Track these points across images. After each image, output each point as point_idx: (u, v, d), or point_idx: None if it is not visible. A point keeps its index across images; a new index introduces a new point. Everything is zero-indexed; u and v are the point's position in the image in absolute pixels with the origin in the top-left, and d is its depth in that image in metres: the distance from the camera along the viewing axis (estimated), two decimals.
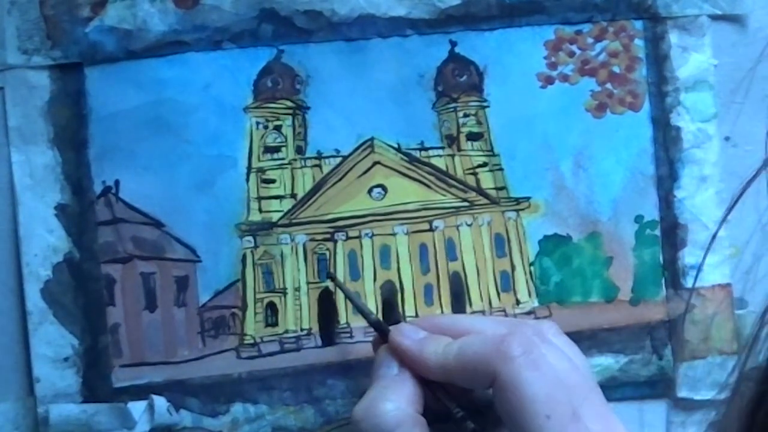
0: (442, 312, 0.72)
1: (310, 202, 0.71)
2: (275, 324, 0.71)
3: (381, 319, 0.69)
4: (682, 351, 0.74)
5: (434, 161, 0.73)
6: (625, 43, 0.74)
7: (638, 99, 0.74)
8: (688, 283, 0.75)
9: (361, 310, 0.69)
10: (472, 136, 0.73)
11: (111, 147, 0.69)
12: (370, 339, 0.71)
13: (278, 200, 0.71)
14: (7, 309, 0.68)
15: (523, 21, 0.73)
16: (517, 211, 0.74)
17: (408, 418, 0.61)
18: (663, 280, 0.75)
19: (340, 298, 0.72)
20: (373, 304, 0.72)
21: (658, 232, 0.75)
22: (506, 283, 0.74)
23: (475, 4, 0.72)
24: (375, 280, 0.72)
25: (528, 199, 0.74)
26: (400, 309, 0.72)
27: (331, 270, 0.72)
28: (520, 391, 0.58)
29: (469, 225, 0.73)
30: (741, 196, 0.47)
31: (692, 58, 0.75)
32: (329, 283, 0.72)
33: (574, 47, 0.74)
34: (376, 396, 0.63)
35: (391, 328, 0.65)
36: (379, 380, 0.64)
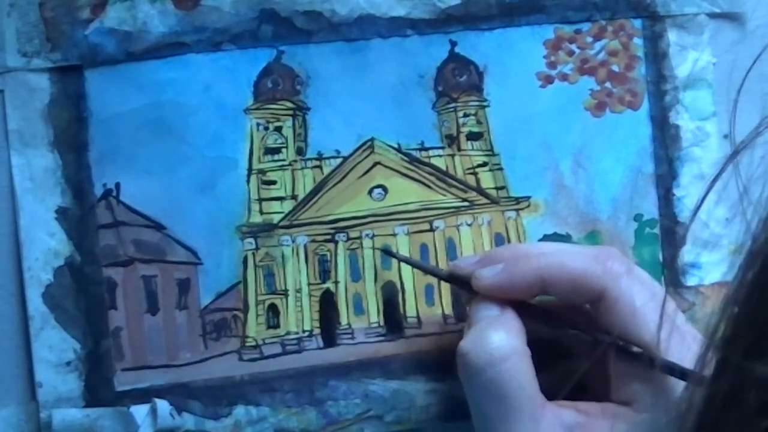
0: (443, 312, 0.72)
1: (310, 203, 0.71)
2: (277, 326, 0.71)
3: (444, 271, 0.70)
4: None
5: (434, 161, 0.73)
6: (624, 41, 0.74)
7: (637, 98, 0.74)
8: (688, 281, 0.75)
9: (431, 272, 0.71)
10: (472, 136, 0.73)
11: (111, 149, 0.68)
12: (372, 340, 0.71)
13: (279, 202, 0.71)
14: (8, 313, 0.67)
15: (523, 20, 0.73)
16: (517, 210, 0.73)
17: (519, 348, 0.62)
18: (663, 279, 0.75)
19: (341, 299, 0.72)
20: (374, 304, 0.72)
21: (657, 230, 0.75)
22: None
23: (474, 3, 0.71)
24: (376, 280, 0.72)
25: (528, 198, 0.73)
26: (401, 309, 0.72)
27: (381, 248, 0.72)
28: (632, 304, 0.61)
29: (470, 225, 0.73)
30: (708, 193, 0.47)
31: (691, 57, 0.75)
32: (330, 284, 0.71)
33: (573, 46, 0.74)
34: (484, 328, 0.63)
35: (457, 270, 0.68)
36: (480, 322, 0.65)
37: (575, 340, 0.65)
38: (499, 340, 0.62)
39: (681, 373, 0.58)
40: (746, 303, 0.34)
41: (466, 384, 0.63)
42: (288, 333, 0.71)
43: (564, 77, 0.74)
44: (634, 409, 0.62)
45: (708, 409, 0.35)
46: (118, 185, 0.68)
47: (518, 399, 0.61)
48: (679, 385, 0.59)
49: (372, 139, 0.72)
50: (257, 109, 0.70)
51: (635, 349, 0.61)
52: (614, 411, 0.62)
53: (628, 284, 0.62)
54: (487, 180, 0.73)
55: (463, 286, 0.68)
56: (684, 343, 0.58)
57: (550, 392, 0.63)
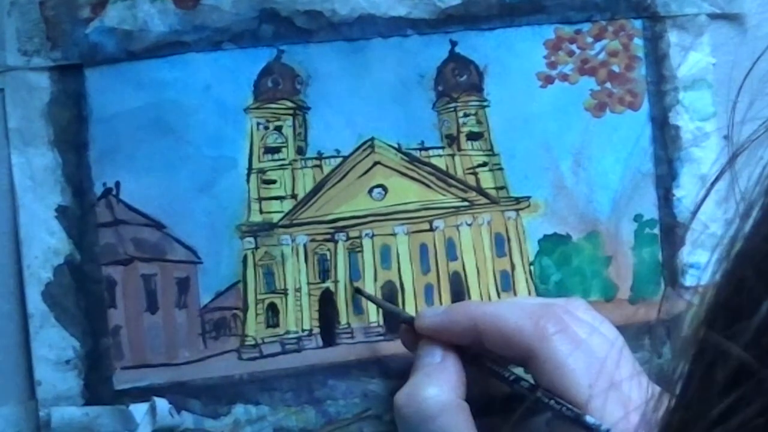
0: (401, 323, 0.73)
1: (310, 202, 0.71)
2: (276, 325, 0.71)
3: (408, 314, 0.70)
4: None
5: (434, 161, 0.73)
6: (625, 42, 0.74)
7: (637, 98, 0.74)
8: (687, 281, 0.75)
9: (389, 311, 0.71)
10: (472, 136, 0.73)
11: (111, 148, 0.68)
12: (371, 339, 0.71)
13: (279, 201, 0.71)
14: (8, 312, 0.67)
15: (523, 20, 0.73)
16: (516, 210, 0.74)
17: (452, 403, 0.63)
18: (662, 279, 0.75)
19: (340, 298, 0.72)
20: (373, 304, 0.72)
21: (657, 231, 0.75)
22: (506, 282, 0.74)
23: (475, 3, 0.71)
24: (375, 280, 0.72)
25: (528, 198, 0.74)
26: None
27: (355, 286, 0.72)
28: (560, 366, 0.61)
29: (469, 225, 0.73)
30: (707, 196, 0.48)
31: (691, 57, 0.75)
32: (330, 284, 0.72)
33: (573, 47, 0.74)
34: (419, 382, 0.64)
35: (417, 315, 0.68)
36: (421, 368, 0.65)
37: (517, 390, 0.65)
38: (433, 395, 0.63)
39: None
40: (724, 290, 0.35)
41: None
42: (287, 332, 0.71)
43: (564, 77, 0.74)
44: None
45: (683, 394, 0.36)
46: (118, 184, 0.69)
47: None
48: None
49: (372, 139, 0.72)
50: (257, 108, 0.70)
51: (555, 404, 0.61)
52: None
53: (559, 344, 0.62)
54: (487, 180, 0.73)
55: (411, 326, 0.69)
56: (620, 404, 0.57)
57: None
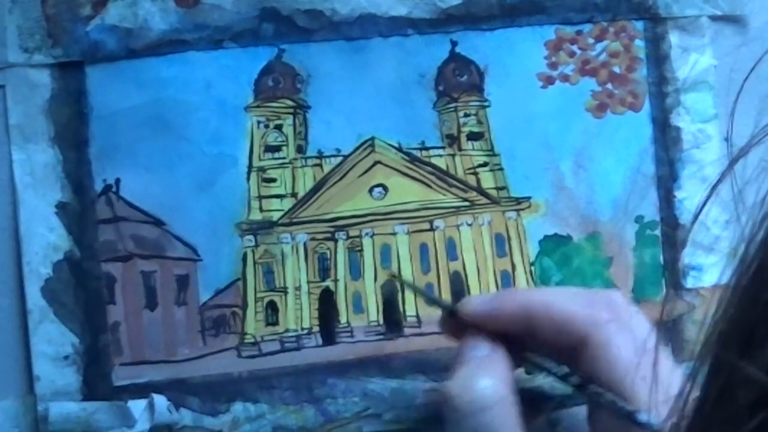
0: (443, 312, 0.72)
1: (310, 201, 0.71)
2: (276, 323, 0.71)
3: (447, 302, 0.70)
4: (681, 351, 0.74)
5: (435, 161, 0.73)
6: (626, 43, 0.74)
7: (638, 99, 0.74)
8: (689, 283, 0.75)
9: (431, 300, 0.71)
10: (473, 136, 0.73)
11: (112, 145, 0.69)
12: (371, 338, 0.71)
13: (279, 199, 0.71)
14: (7, 307, 0.68)
15: (524, 21, 0.73)
16: (517, 210, 0.74)
17: (507, 396, 0.61)
18: (663, 280, 0.75)
19: (340, 297, 0.72)
20: (373, 303, 0.72)
21: (658, 232, 0.75)
22: (507, 282, 0.74)
23: (475, 3, 0.72)
24: (376, 279, 0.72)
25: (528, 198, 0.74)
26: (401, 308, 0.72)
27: (394, 271, 0.72)
28: (613, 354, 0.60)
29: (470, 225, 0.73)
30: (708, 200, 0.47)
31: (692, 59, 0.75)
32: (330, 283, 0.72)
33: (574, 47, 0.74)
34: (472, 372, 0.62)
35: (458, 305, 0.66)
36: (469, 361, 0.63)
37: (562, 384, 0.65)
38: (487, 386, 0.61)
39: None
40: (739, 306, 0.34)
41: (450, 427, 0.62)
42: (287, 330, 0.71)
43: (565, 78, 0.74)
44: None
45: (699, 412, 0.35)
46: (118, 181, 0.69)
47: None
48: None
49: (372, 138, 0.72)
50: (258, 107, 0.71)
51: (605, 398, 0.60)
52: None
53: (613, 333, 0.61)
54: (487, 180, 0.73)
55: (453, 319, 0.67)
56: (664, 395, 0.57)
57: None
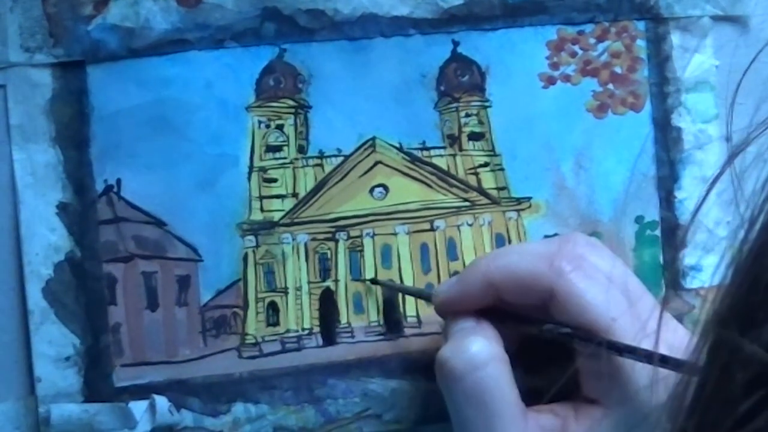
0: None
1: (311, 201, 0.71)
2: (276, 323, 0.71)
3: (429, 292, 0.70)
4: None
5: (436, 161, 0.73)
6: (627, 43, 0.74)
7: (640, 100, 0.74)
8: (689, 283, 0.75)
9: (412, 294, 0.72)
10: (474, 136, 0.73)
11: (113, 145, 0.68)
12: (371, 339, 0.71)
13: (280, 199, 0.71)
14: (8, 308, 0.67)
15: (526, 21, 0.73)
16: (518, 211, 0.73)
17: (499, 354, 0.62)
18: (663, 281, 0.75)
19: (341, 297, 0.72)
20: (373, 303, 0.72)
21: (658, 232, 0.75)
22: None
23: (477, 3, 0.71)
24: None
25: (529, 199, 0.73)
26: (401, 309, 0.72)
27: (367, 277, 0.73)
28: (580, 300, 0.61)
29: (470, 225, 0.73)
30: (707, 196, 0.48)
31: (694, 59, 0.75)
32: (330, 283, 0.72)
33: (576, 47, 0.74)
34: (462, 336, 0.64)
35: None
36: (457, 334, 0.65)
37: (550, 338, 0.65)
38: (479, 346, 0.62)
39: (673, 364, 0.57)
40: (740, 289, 0.35)
41: (446, 391, 0.63)
42: (288, 331, 0.71)
43: (566, 78, 0.74)
44: (602, 405, 0.62)
45: (699, 394, 0.36)
46: (119, 181, 0.69)
47: (499, 405, 0.61)
48: (639, 379, 0.59)
49: (373, 138, 0.72)
50: (259, 106, 0.70)
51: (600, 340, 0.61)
52: (587, 410, 0.63)
53: (576, 280, 0.62)
54: (488, 180, 0.73)
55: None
56: (640, 326, 0.58)
57: (529, 398, 0.63)
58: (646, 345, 0.56)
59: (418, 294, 0.72)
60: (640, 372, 0.59)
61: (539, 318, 0.64)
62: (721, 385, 0.34)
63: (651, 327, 0.55)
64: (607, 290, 0.61)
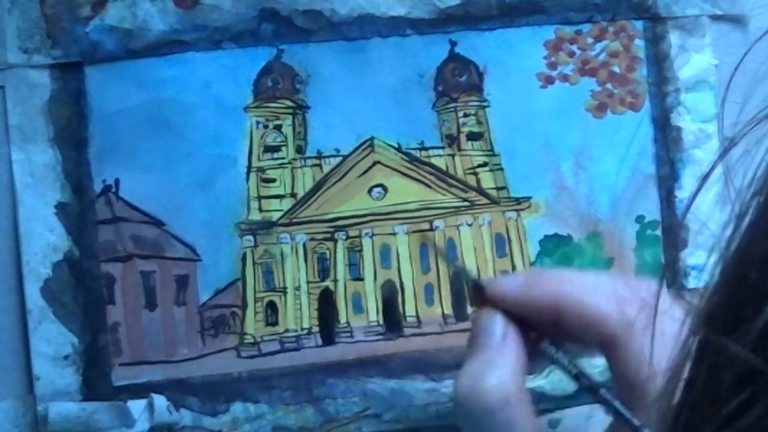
0: (442, 311, 0.72)
1: (310, 201, 0.71)
2: (275, 323, 0.71)
3: (476, 277, 0.69)
4: None
5: (434, 161, 0.73)
6: (626, 43, 0.74)
7: (639, 99, 0.74)
8: (690, 283, 0.75)
9: (457, 268, 0.71)
10: (473, 136, 0.73)
11: (111, 146, 0.69)
12: (371, 338, 0.71)
13: (278, 199, 0.71)
14: (7, 307, 0.68)
15: (523, 21, 0.73)
16: (517, 211, 0.73)
17: (513, 395, 0.59)
18: (664, 281, 0.75)
19: (340, 297, 0.72)
20: (373, 303, 0.72)
21: (659, 232, 0.75)
22: None
23: (475, 4, 0.72)
24: (375, 279, 0.72)
25: (528, 199, 0.73)
26: (401, 308, 0.72)
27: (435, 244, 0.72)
28: (643, 358, 0.57)
29: (470, 225, 0.73)
30: (700, 189, 0.48)
31: (693, 59, 0.74)
32: (329, 283, 0.72)
33: (574, 47, 0.74)
34: (478, 371, 0.60)
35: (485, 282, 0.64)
36: (479, 352, 0.61)
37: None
38: (494, 386, 0.59)
39: None
40: (726, 287, 0.35)
41: (463, 426, 0.62)
42: (287, 331, 0.71)
43: (565, 78, 0.74)
44: None
45: (686, 395, 0.35)
46: (117, 181, 0.69)
47: None
48: None
49: (372, 138, 0.72)
50: (257, 107, 0.71)
51: (614, 406, 0.60)
52: None
53: (645, 338, 0.59)
54: (487, 180, 0.73)
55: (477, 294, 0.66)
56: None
57: None
58: None
59: (463, 273, 0.70)
60: None
61: (574, 368, 0.62)
62: (708, 384, 0.33)
63: None
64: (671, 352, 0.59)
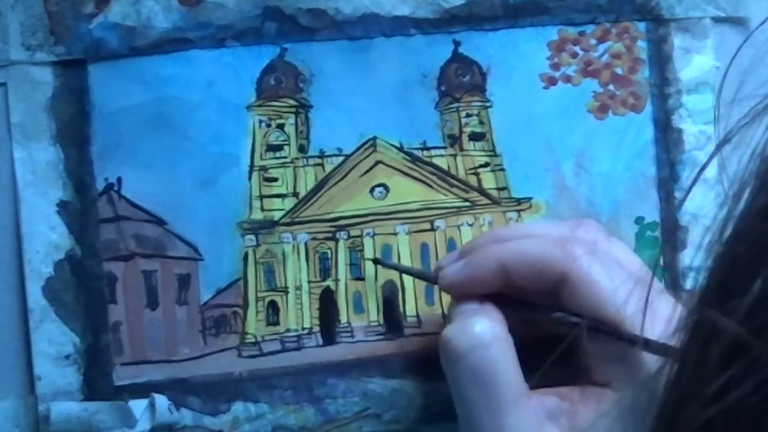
0: (442, 311, 0.72)
1: (312, 200, 0.71)
2: (276, 323, 0.71)
3: (433, 274, 0.69)
4: None
5: (436, 161, 0.73)
6: (628, 44, 0.74)
7: (640, 100, 0.74)
8: (689, 284, 0.75)
9: (412, 274, 0.71)
10: (475, 136, 0.73)
11: (114, 144, 0.68)
12: (371, 338, 0.71)
13: (280, 199, 0.71)
14: (8, 306, 0.68)
15: (527, 22, 0.73)
16: (518, 211, 0.73)
17: (502, 335, 0.62)
18: (663, 282, 0.75)
19: (341, 297, 0.72)
20: (374, 303, 0.72)
21: (658, 233, 0.75)
22: None
23: (478, 4, 0.71)
24: (376, 279, 0.72)
25: (529, 199, 0.73)
26: (401, 308, 0.72)
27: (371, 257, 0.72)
28: (593, 285, 0.61)
29: (471, 225, 0.73)
30: (694, 184, 0.48)
31: (695, 60, 0.75)
32: (330, 282, 0.72)
33: (577, 48, 0.74)
34: (467, 316, 0.64)
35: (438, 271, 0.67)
36: (462, 312, 0.65)
37: (558, 326, 0.65)
38: (483, 326, 0.62)
39: (660, 348, 0.57)
40: (719, 269, 0.35)
41: (449, 372, 0.63)
42: (287, 330, 0.71)
43: (567, 79, 0.74)
44: (613, 389, 0.62)
45: (681, 368, 0.36)
46: (119, 180, 0.69)
47: (502, 385, 0.61)
48: (653, 361, 0.58)
49: (374, 138, 0.72)
50: (260, 106, 0.70)
51: (605, 328, 0.61)
52: (595, 393, 0.63)
53: (589, 265, 0.62)
54: (488, 180, 0.73)
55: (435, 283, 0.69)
56: (656, 320, 0.57)
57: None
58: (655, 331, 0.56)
59: (421, 275, 0.71)
60: (652, 355, 0.58)
61: (547, 305, 0.64)
62: (699, 360, 0.34)
63: (657, 312, 0.55)
64: (619, 276, 0.61)
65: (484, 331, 0.62)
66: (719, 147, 0.42)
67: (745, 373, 0.31)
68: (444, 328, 0.64)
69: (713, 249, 0.36)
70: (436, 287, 0.72)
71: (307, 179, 0.71)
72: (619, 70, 0.74)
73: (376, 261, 0.72)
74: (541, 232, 0.66)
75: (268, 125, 0.71)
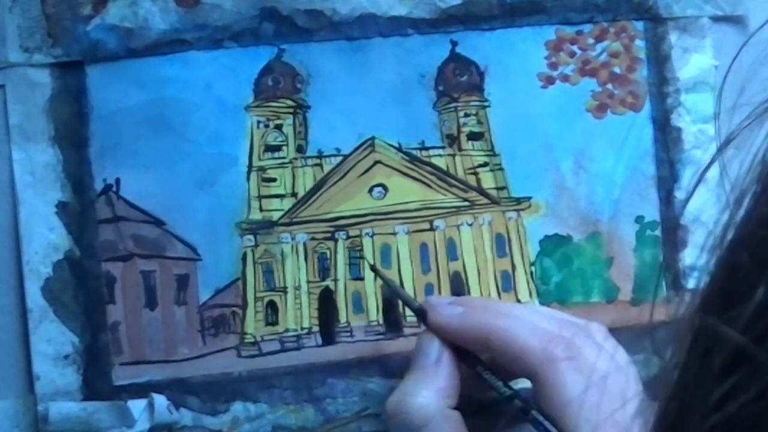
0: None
1: (310, 201, 0.71)
2: (276, 323, 0.71)
3: (419, 305, 0.69)
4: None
5: (435, 161, 0.73)
6: (626, 43, 0.74)
7: (639, 100, 0.74)
8: (689, 283, 0.75)
9: (401, 297, 0.71)
10: (473, 136, 0.73)
11: (112, 145, 0.69)
12: (371, 338, 0.71)
13: (279, 199, 0.71)
14: (7, 306, 0.68)
15: (524, 21, 0.73)
16: (517, 211, 0.74)
17: (438, 413, 0.63)
18: (663, 281, 0.75)
19: (340, 297, 0.72)
20: (373, 302, 0.72)
21: (658, 232, 0.75)
22: (507, 283, 0.74)
23: (476, 3, 0.72)
24: (376, 279, 0.72)
25: (529, 199, 0.73)
26: (401, 308, 0.72)
27: (370, 261, 0.72)
28: (561, 393, 0.61)
29: (470, 225, 0.73)
30: (697, 186, 0.48)
31: (693, 59, 0.75)
32: (330, 282, 0.72)
33: (574, 47, 0.74)
34: (407, 390, 0.64)
35: (428, 306, 0.67)
36: (413, 371, 0.65)
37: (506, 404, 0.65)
38: (421, 404, 0.63)
39: None
40: (720, 276, 0.35)
41: None
42: (287, 330, 0.71)
43: (565, 78, 0.74)
44: None
45: (679, 382, 0.36)
46: (118, 180, 0.69)
47: None
48: None
49: (372, 138, 0.72)
50: (258, 106, 0.71)
51: (543, 427, 0.61)
52: None
53: (564, 372, 0.62)
54: (487, 180, 0.73)
55: (423, 320, 0.68)
56: None
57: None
58: None
59: (409, 304, 0.71)
60: None
61: (512, 390, 0.64)
62: (699, 369, 0.34)
63: None
64: (590, 391, 0.60)
65: (419, 412, 0.63)
66: (720, 151, 0.41)
67: (747, 381, 0.31)
68: (393, 393, 0.65)
69: (714, 255, 0.36)
70: (435, 288, 0.72)
71: (306, 179, 0.71)
72: (617, 69, 0.74)
73: (373, 269, 0.72)
74: (531, 319, 0.65)
75: (266, 126, 0.71)
